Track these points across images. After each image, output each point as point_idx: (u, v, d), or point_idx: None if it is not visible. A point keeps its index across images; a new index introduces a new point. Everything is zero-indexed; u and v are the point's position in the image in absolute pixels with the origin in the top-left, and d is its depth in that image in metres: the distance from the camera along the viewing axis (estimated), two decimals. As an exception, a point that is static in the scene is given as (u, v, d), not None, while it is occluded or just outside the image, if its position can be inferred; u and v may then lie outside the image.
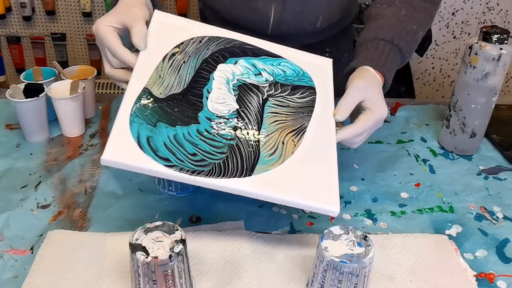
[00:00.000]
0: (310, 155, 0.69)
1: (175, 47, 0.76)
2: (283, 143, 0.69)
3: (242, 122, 0.70)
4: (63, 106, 0.92)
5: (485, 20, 2.34)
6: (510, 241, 0.73)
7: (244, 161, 0.66)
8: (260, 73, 0.76)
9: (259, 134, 0.69)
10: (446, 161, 0.92)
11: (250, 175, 0.65)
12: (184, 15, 2.29)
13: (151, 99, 0.69)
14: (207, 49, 0.77)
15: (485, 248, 0.72)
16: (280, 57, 0.80)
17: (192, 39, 0.78)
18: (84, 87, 0.94)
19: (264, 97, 0.73)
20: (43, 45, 2.38)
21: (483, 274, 0.68)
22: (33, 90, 0.90)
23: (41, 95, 0.89)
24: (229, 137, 0.68)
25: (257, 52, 0.79)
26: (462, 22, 2.36)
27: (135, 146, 0.64)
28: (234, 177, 0.65)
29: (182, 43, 0.77)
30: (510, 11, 2.33)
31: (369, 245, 0.58)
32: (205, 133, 0.68)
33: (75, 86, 0.92)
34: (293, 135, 0.70)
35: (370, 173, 0.87)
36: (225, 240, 0.70)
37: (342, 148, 0.84)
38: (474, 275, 0.67)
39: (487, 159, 0.93)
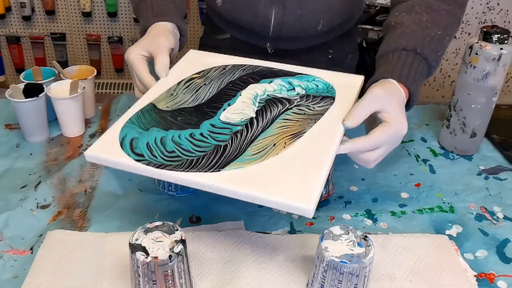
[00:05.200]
0: (296, 157, 0.64)
1: (193, 74, 0.81)
2: (274, 145, 0.66)
3: (247, 129, 0.68)
4: (63, 106, 0.92)
5: (485, 20, 2.34)
6: (511, 241, 0.73)
7: (222, 158, 0.64)
8: (293, 88, 0.76)
9: (256, 137, 0.67)
10: (447, 161, 0.92)
11: (219, 170, 0.62)
12: (184, 15, 2.29)
13: (154, 110, 0.72)
14: (233, 74, 0.80)
15: (486, 248, 0.72)
16: (313, 75, 0.81)
17: (214, 67, 0.82)
18: (84, 87, 0.94)
19: (289, 107, 0.72)
20: (43, 45, 2.38)
21: (483, 274, 0.68)
22: (33, 90, 0.90)
23: (41, 95, 0.89)
24: (221, 139, 0.67)
25: (289, 73, 0.81)
26: (463, 22, 2.36)
27: (117, 144, 0.66)
28: (200, 171, 0.62)
29: (202, 70, 0.82)
30: (510, 11, 2.33)
31: (369, 245, 0.58)
32: (197, 136, 0.67)
33: (75, 86, 0.92)
34: (289, 138, 0.67)
35: (370, 173, 0.87)
36: (225, 240, 0.70)
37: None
38: (474, 275, 0.67)
39: (488, 159, 0.92)
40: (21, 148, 0.91)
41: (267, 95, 0.75)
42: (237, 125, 0.69)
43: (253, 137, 0.67)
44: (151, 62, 0.80)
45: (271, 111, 0.71)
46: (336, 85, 0.77)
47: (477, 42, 0.85)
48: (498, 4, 2.31)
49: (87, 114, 1.00)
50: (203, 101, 0.74)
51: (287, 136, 0.67)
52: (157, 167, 0.63)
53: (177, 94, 0.76)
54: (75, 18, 2.33)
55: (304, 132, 0.68)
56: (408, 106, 0.73)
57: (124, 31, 2.36)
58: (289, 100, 0.74)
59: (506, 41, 0.83)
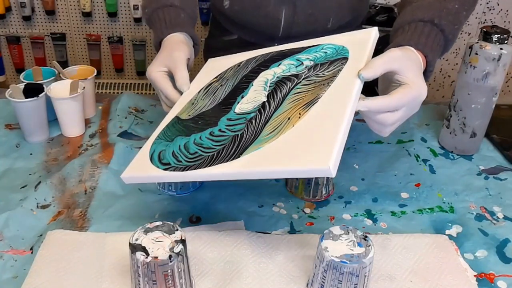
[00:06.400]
0: (311, 124, 0.62)
1: (212, 79, 0.82)
2: (288, 119, 0.64)
3: (260, 113, 0.68)
4: (63, 106, 0.92)
5: (485, 20, 2.34)
6: (510, 241, 0.73)
7: (240, 145, 0.64)
8: (301, 63, 0.75)
9: (270, 117, 0.66)
10: (447, 161, 0.92)
11: (239, 157, 0.62)
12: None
13: (178, 122, 0.75)
14: (246, 68, 0.81)
15: (485, 248, 0.72)
16: (322, 44, 0.78)
17: (229, 68, 0.83)
18: (84, 87, 0.94)
19: (298, 81, 0.71)
20: (43, 45, 2.37)
21: (483, 274, 0.68)
22: (33, 90, 0.90)
23: (41, 95, 0.89)
24: (237, 129, 0.68)
25: (298, 50, 0.79)
26: (462, 22, 2.36)
27: (147, 161, 0.71)
28: (221, 162, 0.63)
29: (219, 74, 0.83)
30: (510, 11, 2.33)
31: (369, 245, 0.58)
32: (216, 132, 0.69)
33: (75, 86, 0.92)
34: (303, 109, 0.65)
35: (370, 173, 0.87)
36: (225, 240, 0.70)
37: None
38: (474, 275, 0.67)
39: (488, 159, 0.92)
40: (21, 148, 0.91)
41: (277, 77, 0.74)
42: (251, 112, 0.69)
43: (267, 118, 0.67)
44: (171, 76, 0.82)
45: (281, 91, 0.71)
46: (348, 45, 0.74)
47: (477, 42, 0.85)
48: (498, 4, 2.31)
49: (87, 114, 1.00)
50: (219, 101, 0.75)
51: (301, 107, 0.65)
52: (182, 170, 0.65)
53: (197, 101, 0.78)
54: (75, 18, 2.33)
55: (319, 98, 0.65)
56: (425, 75, 0.72)
57: (124, 31, 2.36)
58: (297, 76, 0.72)
59: (506, 41, 0.83)
